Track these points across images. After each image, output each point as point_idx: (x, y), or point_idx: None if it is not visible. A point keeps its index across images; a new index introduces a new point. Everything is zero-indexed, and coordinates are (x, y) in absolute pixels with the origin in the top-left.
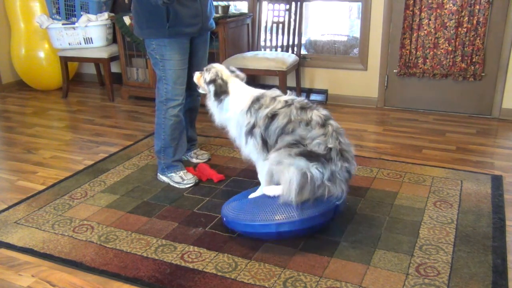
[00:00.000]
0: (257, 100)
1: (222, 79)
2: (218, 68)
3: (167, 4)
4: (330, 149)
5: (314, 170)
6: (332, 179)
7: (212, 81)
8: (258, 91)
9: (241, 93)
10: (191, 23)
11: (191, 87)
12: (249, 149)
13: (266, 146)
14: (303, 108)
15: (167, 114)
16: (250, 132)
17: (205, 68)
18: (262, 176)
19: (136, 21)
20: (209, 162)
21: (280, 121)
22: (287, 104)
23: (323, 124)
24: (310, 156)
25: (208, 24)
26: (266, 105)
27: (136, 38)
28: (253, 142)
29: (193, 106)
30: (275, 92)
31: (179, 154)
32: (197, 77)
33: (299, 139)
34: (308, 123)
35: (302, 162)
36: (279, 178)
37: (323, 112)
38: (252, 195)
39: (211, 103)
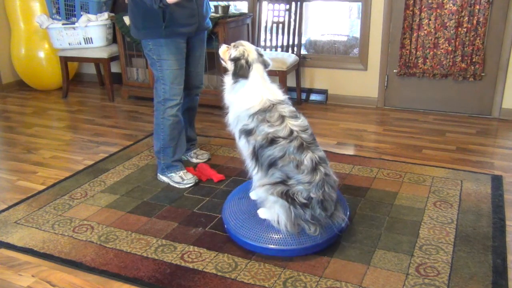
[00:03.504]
0: (265, 110)
1: (246, 61)
2: (246, 47)
3: (163, 8)
4: (312, 198)
5: (295, 210)
6: (314, 219)
7: (236, 59)
8: (271, 96)
9: (255, 89)
10: (187, 23)
11: (189, 86)
12: (241, 146)
13: (256, 158)
14: (300, 147)
15: (166, 114)
16: (245, 134)
17: (233, 44)
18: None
19: (132, 22)
20: (209, 162)
21: (275, 152)
22: (290, 137)
23: (313, 169)
24: (291, 200)
25: (204, 24)
26: (271, 123)
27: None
28: (245, 144)
29: (192, 105)
30: (285, 107)
31: (179, 154)
32: (223, 50)
33: (285, 178)
34: (298, 165)
35: (284, 202)
36: (269, 213)
37: (319, 154)
38: (251, 195)
39: (228, 79)
